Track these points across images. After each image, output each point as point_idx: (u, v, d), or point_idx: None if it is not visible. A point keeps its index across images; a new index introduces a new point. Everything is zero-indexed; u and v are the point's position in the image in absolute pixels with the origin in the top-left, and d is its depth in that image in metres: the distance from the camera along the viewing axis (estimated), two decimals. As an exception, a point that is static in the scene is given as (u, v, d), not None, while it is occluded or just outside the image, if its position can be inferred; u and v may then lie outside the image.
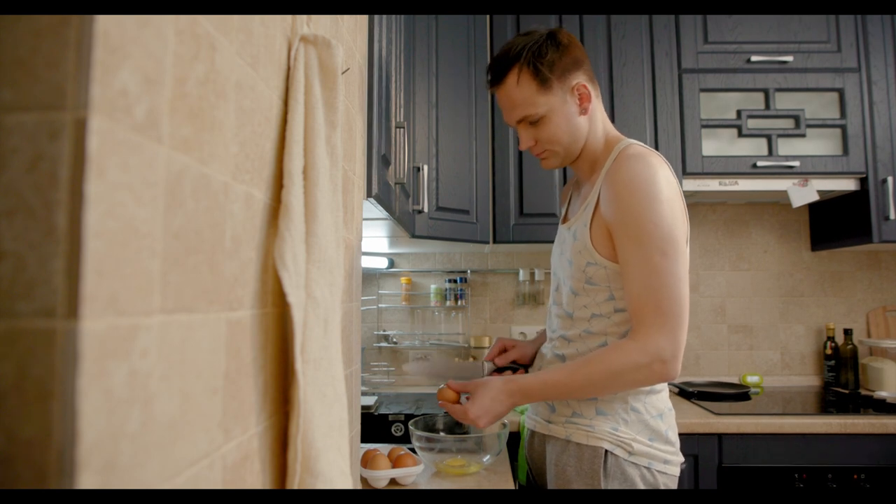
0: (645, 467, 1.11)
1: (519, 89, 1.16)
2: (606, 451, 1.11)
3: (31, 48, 0.30)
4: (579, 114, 1.19)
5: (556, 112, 1.17)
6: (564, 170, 2.20)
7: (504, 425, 1.39)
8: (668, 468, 1.12)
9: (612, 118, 2.20)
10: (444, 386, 1.20)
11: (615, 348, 1.08)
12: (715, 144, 2.17)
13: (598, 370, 1.06)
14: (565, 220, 1.31)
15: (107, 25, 0.31)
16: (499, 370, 1.38)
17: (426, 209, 1.67)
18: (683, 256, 1.08)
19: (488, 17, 2.26)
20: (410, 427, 1.38)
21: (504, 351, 1.40)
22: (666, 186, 1.09)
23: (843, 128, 2.15)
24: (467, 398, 1.15)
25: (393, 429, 1.83)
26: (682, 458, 1.16)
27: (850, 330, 2.33)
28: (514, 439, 1.80)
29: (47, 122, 0.30)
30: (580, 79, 1.18)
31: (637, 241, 1.06)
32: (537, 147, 1.21)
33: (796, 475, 1.79)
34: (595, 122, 1.21)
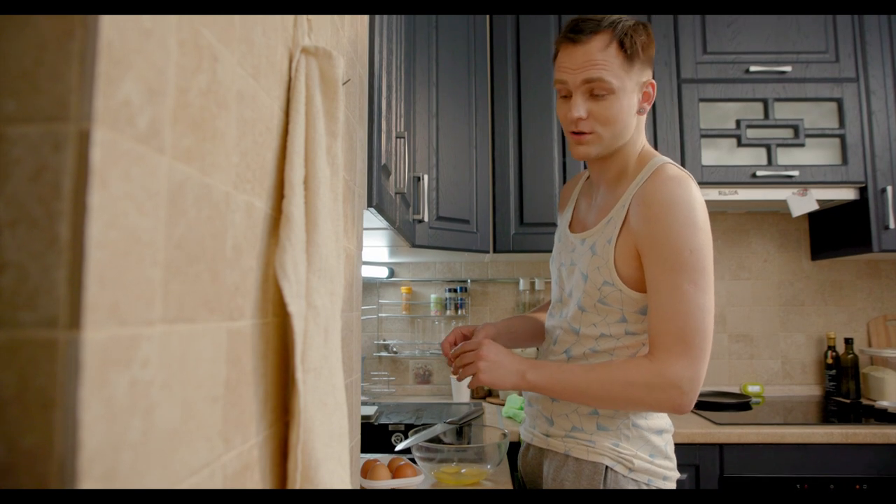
0: (644, 484, 1.09)
1: (602, 53, 1.08)
2: (607, 467, 1.09)
3: (35, 60, 0.31)
4: (637, 111, 1.14)
5: (624, 94, 1.09)
6: (564, 180, 2.21)
7: (504, 435, 1.39)
8: (666, 485, 1.11)
9: (612, 128, 2.20)
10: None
11: (632, 361, 1.05)
12: (714, 154, 2.18)
13: (615, 376, 1.03)
14: (576, 227, 1.25)
15: (110, 36, 0.32)
16: None
17: (426, 219, 1.67)
18: (712, 288, 1.04)
19: (488, 26, 2.27)
20: (411, 437, 1.38)
21: (465, 338, 1.28)
22: (702, 213, 1.05)
23: (842, 137, 2.16)
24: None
25: (393, 439, 1.82)
26: (678, 475, 1.15)
27: (851, 339, 2.33)
28: (514, 449, 1.80)
29: (51, 134, 0.30)
30: (650, 77, 1.15)
31: (670, 267, 1.03)
32: (587, 123, 1.11)
33: (798, 485, 1.78)
34: (640, 128, 1.17)
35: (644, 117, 1.17)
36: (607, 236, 1.12)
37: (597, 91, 1.09)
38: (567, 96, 1.13)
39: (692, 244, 1.02)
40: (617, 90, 1.09)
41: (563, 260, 1.24)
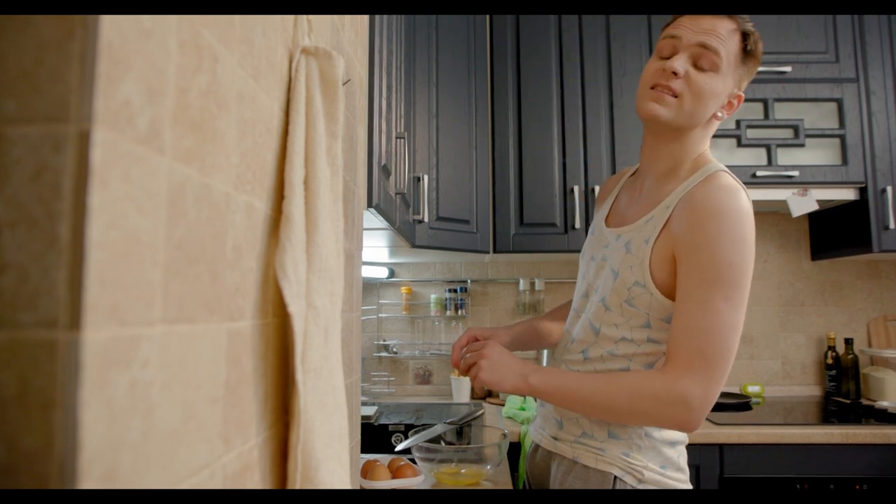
0: None
1: (728, 33, 1.06)
2: (616, 477, 1.04)
3: (35, 60, 0.31)
4: (715, 115, 1.11)
5: (723, 81, 1.07)
6: (565, 181, 2.21)
7: (504, 436, 1.39)
8: None
9: (612, 128, 2.21)
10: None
11: (641, 372, 1.02)
12: (714, 154, 2.13)
13: (621, 386, 0.99)
14: (613, 222, 1.20)
15: (110, 37, 0.32)
16: None
17: (426, 219, 1.68)
18: (745, 306, 1.00)
19: (488, 27, 2.27)
20: (411, 437, 1.38)
21: (476, 341, 1.23)
22: (749, 227, 1.00)
23: (842, 137, 2.16)
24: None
25: (393, 439, 1.82)
26: (690, 487, 1.10)
27: (851, 339, 2.33)
28: (514, 450, 1.80)
29: (51, 134, 0.30)
30: (741, 91, 1.12)
31: (705, 278, 0.97)
32: (679, 83, 1.06)
33: (798, 485, 1.78)
34: (707, 132, 1.13)
35: (715, 124, 1.13)
36: (645, 235, 1.07)
37: (704, 62, 1.06)
38: (667, 57, 1.10)
39: (733, 258, 0.97)
40: (721, 73, 1.07)
41: (594, 254, 1.19)
